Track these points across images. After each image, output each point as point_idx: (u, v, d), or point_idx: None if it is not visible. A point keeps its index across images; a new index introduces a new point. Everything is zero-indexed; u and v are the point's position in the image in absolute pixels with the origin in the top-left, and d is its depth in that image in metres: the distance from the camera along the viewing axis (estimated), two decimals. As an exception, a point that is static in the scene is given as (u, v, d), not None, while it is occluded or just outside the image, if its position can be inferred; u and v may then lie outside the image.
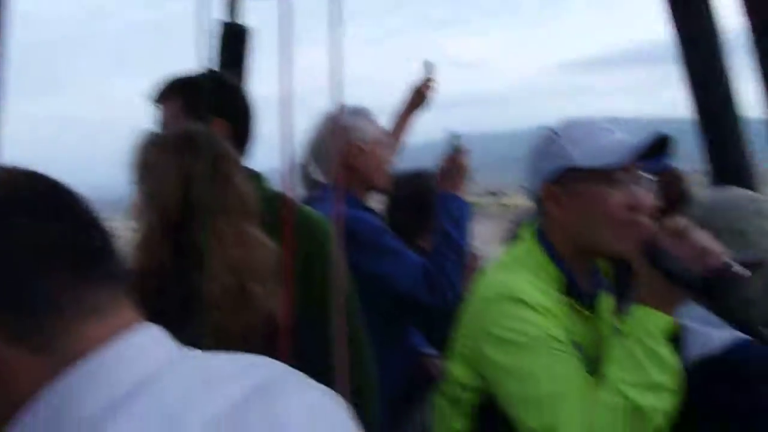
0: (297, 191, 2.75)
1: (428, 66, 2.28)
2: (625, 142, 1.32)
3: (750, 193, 1.44)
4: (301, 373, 0.52)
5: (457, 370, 1.40)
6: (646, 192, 1.33)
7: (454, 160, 2.10)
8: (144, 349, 0.54)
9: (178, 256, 1.27)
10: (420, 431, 1.57)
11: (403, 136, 2.67)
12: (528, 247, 1.40)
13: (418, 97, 2.62)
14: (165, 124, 1.64)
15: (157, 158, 1.31)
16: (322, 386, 0.52)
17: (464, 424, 1.41)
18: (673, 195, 2.12)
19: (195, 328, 1.13)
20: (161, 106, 1.68)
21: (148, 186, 1.32)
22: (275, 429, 0.46)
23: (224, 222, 1.25)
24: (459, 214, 2.03)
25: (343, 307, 1.03)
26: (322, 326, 1.55)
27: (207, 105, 1.41)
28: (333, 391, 0.53)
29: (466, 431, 1.41)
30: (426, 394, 1.79)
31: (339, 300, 1.03)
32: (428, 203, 2.34)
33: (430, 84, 2.61)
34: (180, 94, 1.64)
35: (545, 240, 1.38)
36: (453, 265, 1.91)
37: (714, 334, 1.26)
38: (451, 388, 1.43)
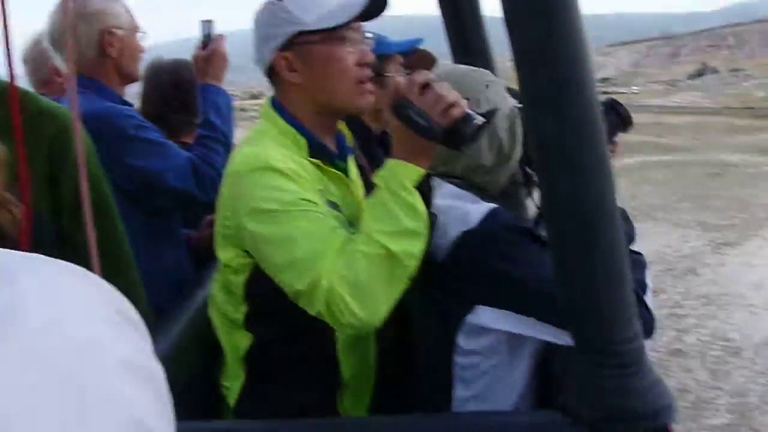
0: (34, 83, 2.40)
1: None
2: (348, 1, 1.35)
3: (475, 68, 1.52)
4: (41, 256, 0.46)
5: (224, 254, 1.38)
6: (369, 49, 1.40)
7: (210, 48, 1.99)
8: None
9: None
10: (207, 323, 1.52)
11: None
12: (267, 119, 1.41)
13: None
14: None
15: None
16: (66, 263, 0.46)
17: (241, 310, 1.40)
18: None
19: None
20: None
21: None
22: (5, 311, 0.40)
23: None
24: (221, 104, 1.93)
25: (91, 210, 0.93)
26: (75, 232, 1.41)
27: None
28: (82, 268, 0.48)
29: (245, 317, 1.40)
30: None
31: (86, 201, 0.92)
32: (188, 95, 2.21)
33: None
34: None
35: (282, 108, 1.39)
36: (219, 156, 1.85)
37: (470, 208, 1.33)
38: (222, 276, 1.42)
